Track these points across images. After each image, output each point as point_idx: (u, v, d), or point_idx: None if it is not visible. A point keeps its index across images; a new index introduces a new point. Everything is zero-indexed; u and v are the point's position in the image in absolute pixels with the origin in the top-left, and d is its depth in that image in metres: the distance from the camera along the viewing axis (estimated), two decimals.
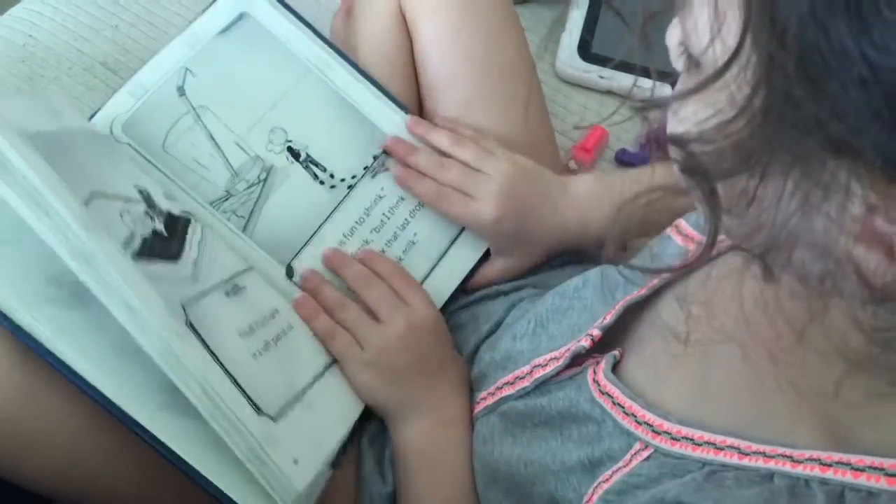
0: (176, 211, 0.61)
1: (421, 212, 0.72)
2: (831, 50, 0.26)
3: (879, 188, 0.28)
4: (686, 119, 0.34)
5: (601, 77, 0.90)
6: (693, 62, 0.34)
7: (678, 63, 0.36)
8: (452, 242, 0.72)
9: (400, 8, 0.75)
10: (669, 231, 0.57)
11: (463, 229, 0.72)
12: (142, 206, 0.58)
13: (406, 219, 0.71)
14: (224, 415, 0.51)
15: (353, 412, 0.64)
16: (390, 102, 0.73)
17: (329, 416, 0.61)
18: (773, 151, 0.29)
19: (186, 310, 0.54)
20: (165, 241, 0.57)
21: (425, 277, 0.71)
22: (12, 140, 0.48)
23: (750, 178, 0.31)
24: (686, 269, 0.52)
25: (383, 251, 0.70)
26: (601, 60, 0.88)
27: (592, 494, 0.48)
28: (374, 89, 0.73)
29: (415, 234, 0.71)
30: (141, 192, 0.59)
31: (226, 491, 0.50)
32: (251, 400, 0.54)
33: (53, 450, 0.52)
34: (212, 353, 0.53)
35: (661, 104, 0.36)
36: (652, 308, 0.55)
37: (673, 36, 0.36)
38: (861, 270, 0.31)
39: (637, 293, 0.55)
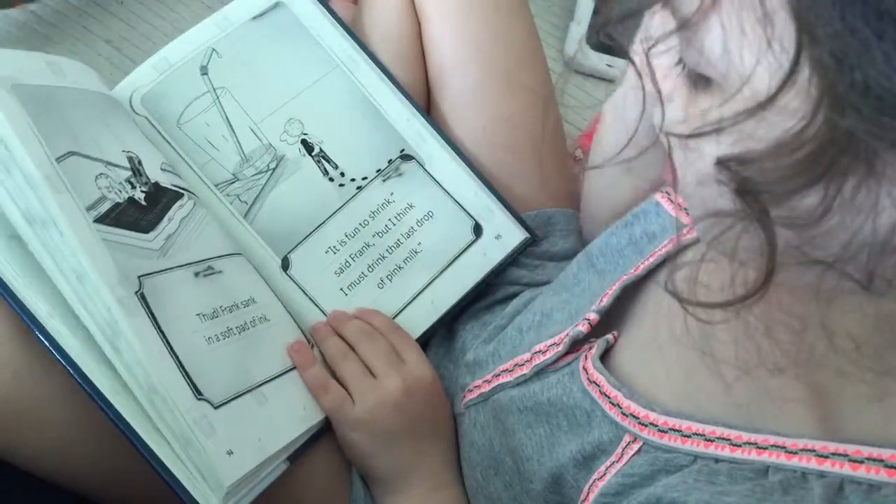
0: (166, 183, 0.61)
1: (430, 222, 0.69)
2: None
3: None
4: (735, 140, 0.30)
5: (609, 66, 0.88)
6: (703, 81, 0.31)
7: (666, 84, 0.34)
8: (457, 257, 0.69)
9: None
10: (658, 196, 0.54)
11: (469, 246, 0.69)
12: (125, 173, 0.57)
13: (412, 227, 0.69)
14: (155, 390, 0.50)
15: (316, 413, 0.61)
16: (414, 109, 0.71)
17: (285, 413, 0.59)
18: (852, 157, 0.26)
19: (142, 280, 0.53)
20: (141, 210, 0.57)
21: (424, 288, 0.67)
22: None
23: (826, 188, 0.28)
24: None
25: (384, 257, 0.67)
26: (609, 49, 0.85)
27: (588, 493, 0.46)
28: (401, 95, 0.71)
29: (419, 244, 0.68)
30: (131, 158, 0.59)
31: (165, 462, 0.50)
32: (192, 381, 0.52)
33: (51, 430, 0.52)
34: (158, 328, 0.52)
35: (712, 131, 0.32)
36: (647, 287, 0.53)
37: (666, 56, 0.33)
38: None
39: (633, 272, 0.53)
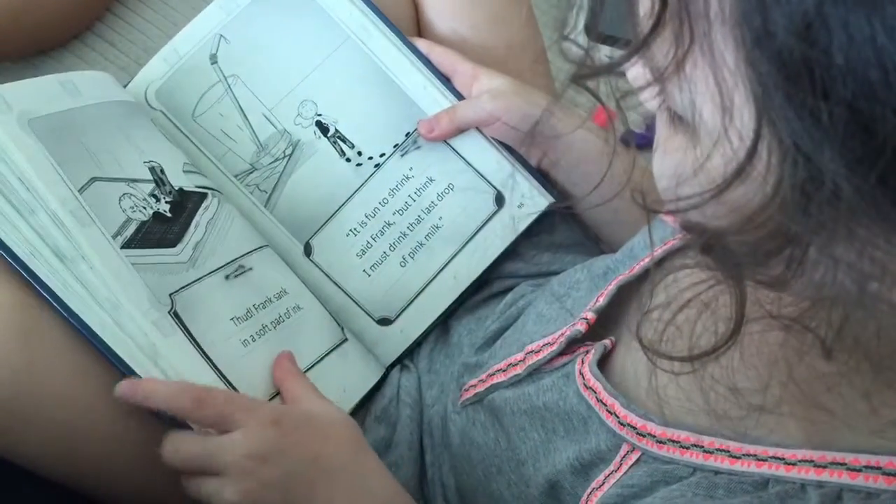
0: (190, 186, 0.62)
1: (450, 195, 0.69)
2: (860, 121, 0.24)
3: None
4: (705, 212, 0.32)
5: (608, 57, 0.86)
6: (680, 118, 0.32)
7: (653, 103, 0.34)
8: (479, 230, 0.69)
9: None
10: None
11: (491, 217, 0.70)
12: (148, 187, 0.59)
13: (433, 202, 0.69)
14: None
15: (356, 393, 0.65)
16: (431, 75, 0.70)
17: None
18: (814, 233, 0.27)
19: (174, 298, 0.55)
20: (167, 223, 0.58)
21: (446, 264, 0.69)
22: (11, 131, 0.50)
23: (788, 259, 0.29)
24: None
25: (405, 234, 0.69)
26: (609, 40, 0.83)
27: (587, 502, 0.47)
28: (417, 61, 0.70)
29: (440, 219, 0.69)
30: (153, 168, 0.60)
31: None
32: (233, 388, 0.56)
33: (53, 429, 0.53)
34: (195, 343, 0.55)
35: (674, 211, 0.34)
36: (643, 293, 0.53)
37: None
38: None
39: (629, 272, 0.53)
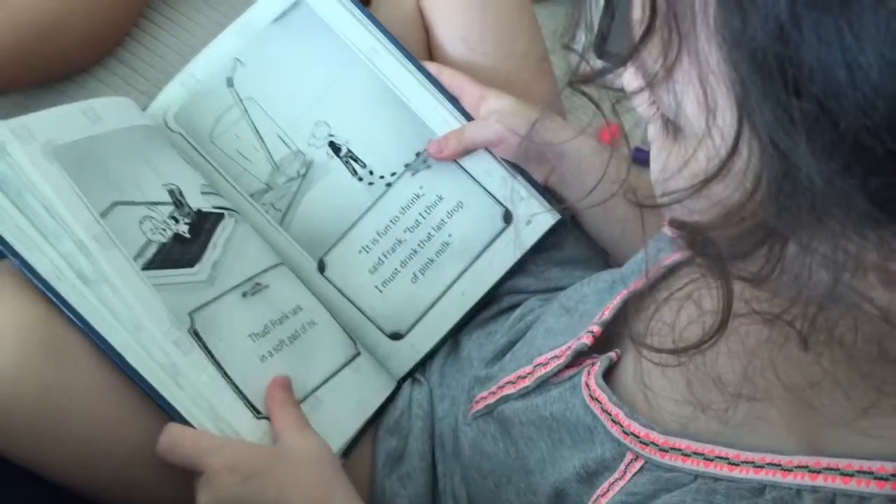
0: (207, 207, 0.64)
1: (459, 213, 0.71)
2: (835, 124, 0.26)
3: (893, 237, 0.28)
4: (691, 207, 0.33)
5: (616, 75, 0.88)
6: (674, 125, 0.34)
7: (645, 107, 0.36)
8: (487, 246, 0.71)
9: (418, 2, 0.76)
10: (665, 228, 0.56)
11: (499, 234, 0.71)
12: (168, 209, 0.61)
13: (443, 219, 0.71)
14: (219, 416, 0.55)
15: (370, 406, 0.67)
16: (441, 96, 0.72)
17: (341, 412, 0.64)
18: (791, 227, 0.29)
19: (193, 317, 0.57)
20: (185, 243, 0.61)
21: (456, 280, 0.71)
22: (36, 161, 0.53)
23: (769, 253, 0.31)
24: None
25: (415, 251, 0.71)
26: (617, 58, 0.85)
27: None
28: (427, 82, 0.72)
29: (450, 236, 0.71)
30: (172, 191, 0.62)
31: None
32: (251, 405, 0.58)
33: (77, 442, 0.55)
34: (213, 360, 0.57)
35: (661, 204, 0.36)
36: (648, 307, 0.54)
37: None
38: (892, 317, 0.31)
39: (633, 286, 0.55)
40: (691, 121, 0.31)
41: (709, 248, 0.33)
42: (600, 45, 0.92)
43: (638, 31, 0.31)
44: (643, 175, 0.45)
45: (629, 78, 0.35)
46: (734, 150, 0.29)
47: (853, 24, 0.24)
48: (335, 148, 0.71)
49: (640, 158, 0.82)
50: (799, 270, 0.30)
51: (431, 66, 0.73)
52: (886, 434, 0.38)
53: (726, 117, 0.29)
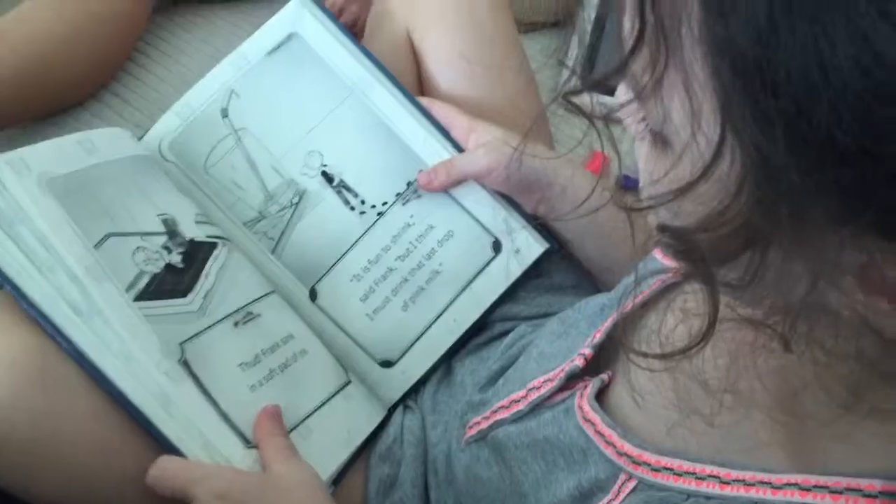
0: (201, 237, 0.65)
1: (450, 242, 0.72)
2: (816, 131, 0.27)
3: (872, 246, 0.29)
4: (677, 211, 0.35)
5: (602, 104, 0.90)
6: (661, 138, 0.35)
7: (637, 130, 0.37)
8: (477, 275, 0.72)
9: (408, 32, 0.77)
10: (654, 251, 0.57)
11: (489, 262, 0.72)
12: (161, 239, 0.62)
13: (433, 248, 0.72)
14: (209, 445, 0.56)
15: (359, 434, 0.67)
16: (432, 128, 0.73)
17: (330, 441, 0.65)
18: (772, 229, 0.30)
19: (184, 347, 0.58)
20: (178, 273, 0.61)
21: (446, 308, 0.72)
22: (31, 194, 0.54)
23: (752, 257, 0.32)
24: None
25: (406, 279, 0.71)
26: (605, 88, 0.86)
27: None
28: (418, 114, 0.73)
29: (440, 264, 0.72)
30: (166, 221, 0.63)
31: None
32: (242, 434, 0.58)
33: (71, 469, 0.56)
34: (205, 392, 0.58)
35: (647, 207, 0.36)
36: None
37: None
38: (871, 324, 0.31)
39: (624, 308, 0.55)
40: (678, 128, 0.32)
41: (694, 253, 0.34)
42: (589, 63, 0.94)
43: (628, 44, 0.32)
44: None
45: (620, 91, 0.36)
46: (718, 153, 0.30)
47: (826, 28, 0.26)
48: (328, 178, 0.72)
49: (628, 185, 0.84)
50: (780, 274, 0.31)
51: (423, 100, 0.74)
52: (873, 445, 0.38)
53: (710, 122, 0.30)
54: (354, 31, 1.02)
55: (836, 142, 0.26)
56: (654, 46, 0.31)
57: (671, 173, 0.34)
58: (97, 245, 0.57)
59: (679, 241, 0.34)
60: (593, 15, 0.96)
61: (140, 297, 0.57)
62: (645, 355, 0.42)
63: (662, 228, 0.35)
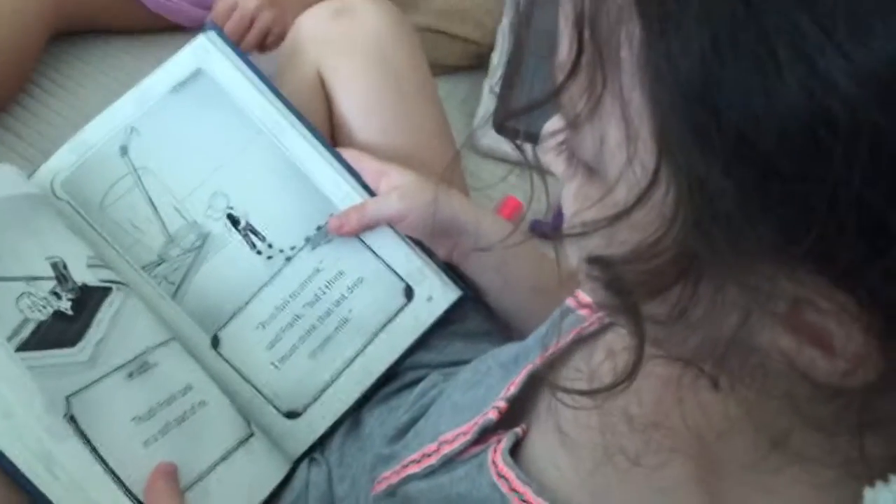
0: (94, 281, 0.61)
1: (360, 288, 0.70)
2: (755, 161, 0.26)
3: (805, 281, 0.28)
4: (610, 239, 0.33)
5: (514, 149, 0.92)
6: (591, 170, 0.34)
7: (557, 164, 0.36)
8: (388, 322, 0.70)
9: (319, 70, 0.76)
10: (569, 301, 0.57)
11: (401, 309, 0.70)
12: (49, 284, 0.58)
13: (343, 294, 0.70)
14: None
15: (261, 491, 0.64)
16: (343, 171, 0.72)
17: (227, 501, 0.61)
18: (707, 259, 0.29)
19: (71, 401, 0.54)
20: (67, 321, 0.57)
21: (355, 356, 0.69)
22: None
23: (683, 289, 0.30)
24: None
25: (314, 327, 0.69)
26: (515, 132, 0.88)
27: None
28: (329, 156, 0.72)
29: (350, 311, 0.70)
30: (55, 264, 0.59)
31: None
32: (133, 496, 0.54)
33: None
34: (91, 448, 0.53)
35: (581, 233, 0.35)
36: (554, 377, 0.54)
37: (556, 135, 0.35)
38: (799, 367, 0.30)
39: (538, 361, 0.54)
40: (614, 155, 0.31)
41: (623, 285, 0.33)
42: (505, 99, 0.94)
43: (564, 69, 0.31)
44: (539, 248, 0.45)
45: (552, 123, 0.35)
46: (654, 180, 0.29)
47: (771, 52, 0.25)
48: (233, 220, 0.69)
49: (538, 228, 0.84)
50: (710, 309, 0.30)
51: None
52: (792, 495, 0.38)
53: (647, 148, 0.29)
54: (266, 42, 1.00)
55: (777, 168, 0.26)
56: (591, 71, 0.30)
57: (605, 200, 0.33)
58: None
59: (608, 272, 0.33)
60: (506, 57, 0.97)
61: (23, 346, 0.53)
62: (570, 392, 0.40)
63: (592, 260, 0.34)
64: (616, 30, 0.29)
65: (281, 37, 0.94)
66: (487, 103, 0.96)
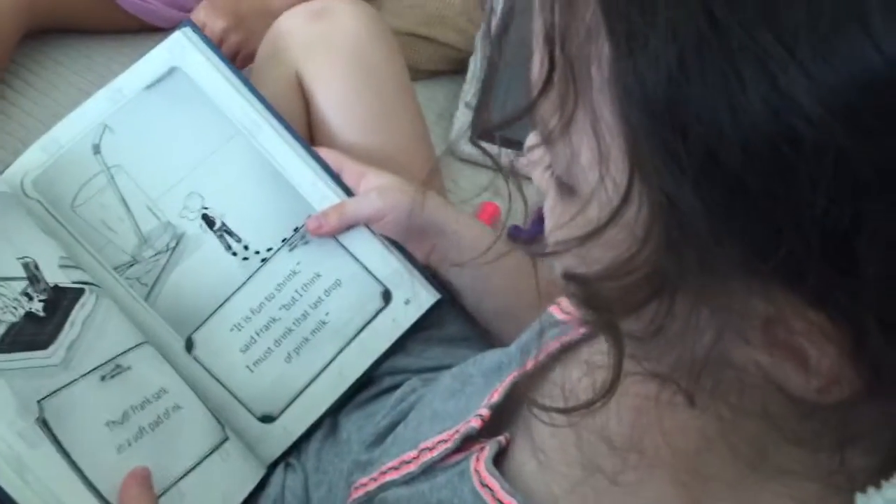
0: (66, 282, 0.60)
1: (337, 291, 0.70)
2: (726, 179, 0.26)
3: (778, 300, 0.28)
4: (584, 257, 0.33)
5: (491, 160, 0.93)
6: (567, 186, 0.33)
7: (536, 177, 0.36)
8: (365, 326, 0.70)
9: (298, 75, 0.76)
10: (552, 309, 0.56)
11: (378, 313, 0.70)
12: (20, 285, 0.56)
13: (320, 297, 0.69)
14: None
15: (236, 496, 0.63)
16: (321, 171, 0.71)
17: None
18: (680, 277, 0.29)
19: (43, 405, 0.53)
20: (39, 323, 0.56)
21: (332, 360, 0.69)
22: None
23: (658, 307, 0.30)
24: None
25: (291, 330, 0.68)
26: (493, 138, 0.89)
27: None
28: (307, 156, 0.71)
29: (326, 314, 0.69)
30: (27, 265, 0.58)
31: None
32: (105, 501, 0.53)
33: None
34: (64, 452, 0.52)
35: (553, 253, 0.35)
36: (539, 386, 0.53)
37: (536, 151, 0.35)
38: (775, 381, 0.30)
39: (523, 369, 0.53)
40: (586, 172, 0.31)
41: (599, 302, 0.33)
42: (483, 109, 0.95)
43: (536, 85, 0.31)
44: (518, 252, 0.45)
45: (531, 138, 0.35)
46: (626, 198, 0.29)
47: (737, 69, 0.25)
48: (209, 221, 0.68)
49: (517, 235, 0.84)
50: (686, 326, 0.30)
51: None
52: None
53: (619, 166, 0.29)
54: (235, 64, 0.99)
55: (744, 185, 0.26)
56: (563, 88, 0.30)
57: (578, 218, 0.33)
58: None
59: (584, 289, 0.33)
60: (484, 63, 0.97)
61: None
62: (547, 409, 0.40)
63: (568, 276, 0.34)
64: (586, 47, 0.29)
65: (248, 59, 0.94)
66: (463, 116, 0.96)
